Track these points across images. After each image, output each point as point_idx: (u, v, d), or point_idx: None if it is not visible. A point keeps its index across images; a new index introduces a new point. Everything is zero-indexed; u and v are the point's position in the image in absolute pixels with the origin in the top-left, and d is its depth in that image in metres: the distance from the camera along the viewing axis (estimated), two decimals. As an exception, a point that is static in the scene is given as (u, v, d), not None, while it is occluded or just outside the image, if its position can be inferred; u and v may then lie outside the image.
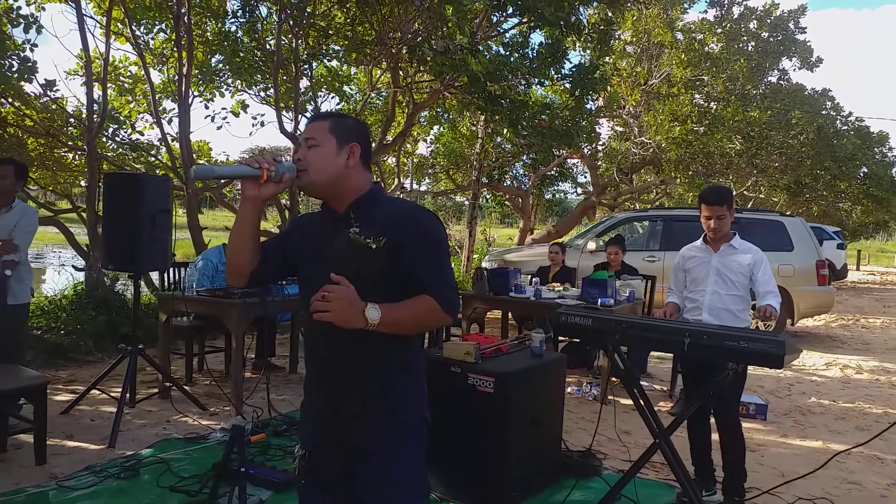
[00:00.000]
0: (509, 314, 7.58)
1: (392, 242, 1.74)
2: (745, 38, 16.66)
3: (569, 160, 17.94)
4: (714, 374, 3.17)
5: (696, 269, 3.73)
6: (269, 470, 3.69)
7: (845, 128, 18.61)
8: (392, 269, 1.75)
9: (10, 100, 8.46)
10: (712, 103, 15.29)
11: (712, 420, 3.63)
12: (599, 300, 5.55)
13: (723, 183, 19.33)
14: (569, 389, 5.96)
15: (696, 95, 15.36)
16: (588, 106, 11.51)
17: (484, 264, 10.18)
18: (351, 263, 1.73)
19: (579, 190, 20.67)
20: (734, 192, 20.11)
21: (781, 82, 17.07)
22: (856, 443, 4.87)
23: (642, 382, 6.25)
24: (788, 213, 19.60)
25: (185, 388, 5.13)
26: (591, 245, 9.24)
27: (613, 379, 5.48)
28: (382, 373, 1.80)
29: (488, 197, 18.14)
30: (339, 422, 1.80)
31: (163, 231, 4.44)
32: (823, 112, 17.41)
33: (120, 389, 4.51)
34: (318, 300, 1.61)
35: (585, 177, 19.79)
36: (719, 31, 16.07)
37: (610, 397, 5.57)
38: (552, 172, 17.56)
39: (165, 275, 5.64)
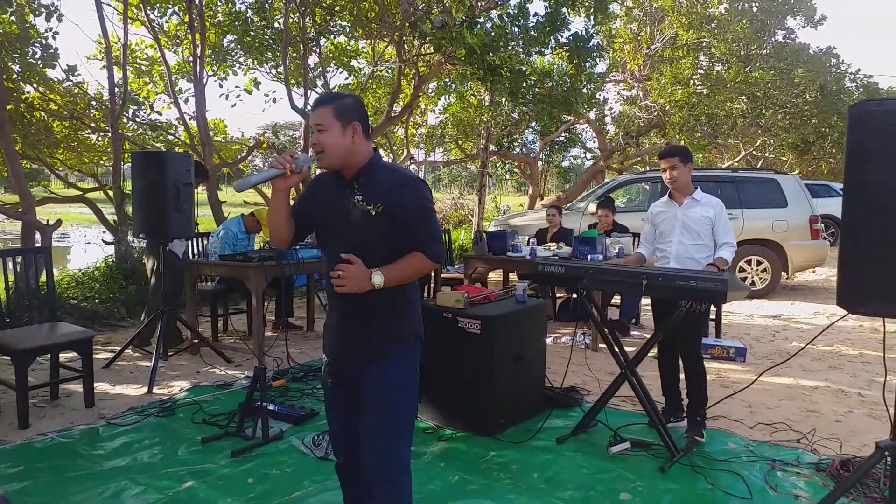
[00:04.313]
0: (510, 274, 8.03)
1: (389, 209, 2.19)
2: (750, -2, 16.68)
3: (577, 126, 18.21)
4: (673, 311, 3.61)
5: (663, 223, 4.13)
6: (288, 408, 4.21)
7: (853, 84, 18.61)
8: (390, 230, 2.21)
9: (35, 85, 8.96)
10: (716, 65, 15.41)
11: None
12: (589, 256, 5.98)
13: (729, 144, 19.49)
14: (563, 339, 6.45)
15: (701, 57, 15.48)
16: (593, 71, 11.77)
17: (490, 229, 10.60)
18: (357, 225, 2.21)
19: (588, 155, 20.94)
20: (742, 153, 20.30)
21: (787, 41, 17.08)
22: (824, 378, 5.35)
23: (633, 332, 6.73)
24: (797, 171, 19.74)
25: (213, 343, 5.66)
26: (592, 207, 9.62)
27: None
28: (386, 303, 2.27)
29: (498, 165, 18.47)
30: (351, 340, 2.32)
31: (186, 202, 4.93)
32: (830, 69, 17.43)
33: (153, 348, 5.06)
34: (335, 277, 2.15)
35: (594, 142, 20.03)
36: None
37: (601, 345, 6.04)
38: (561, 138, 17.84)
39: (190, 244, 6.14)
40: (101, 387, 4.66)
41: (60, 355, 4.52)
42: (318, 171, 2.39)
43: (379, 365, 2.28)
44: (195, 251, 6.20)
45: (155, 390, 4.67)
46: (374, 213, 2.19)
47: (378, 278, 2.16)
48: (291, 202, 2.40)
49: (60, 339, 4.24)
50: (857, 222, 2.31)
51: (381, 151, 15.51)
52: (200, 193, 8.84)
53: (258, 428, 3.76)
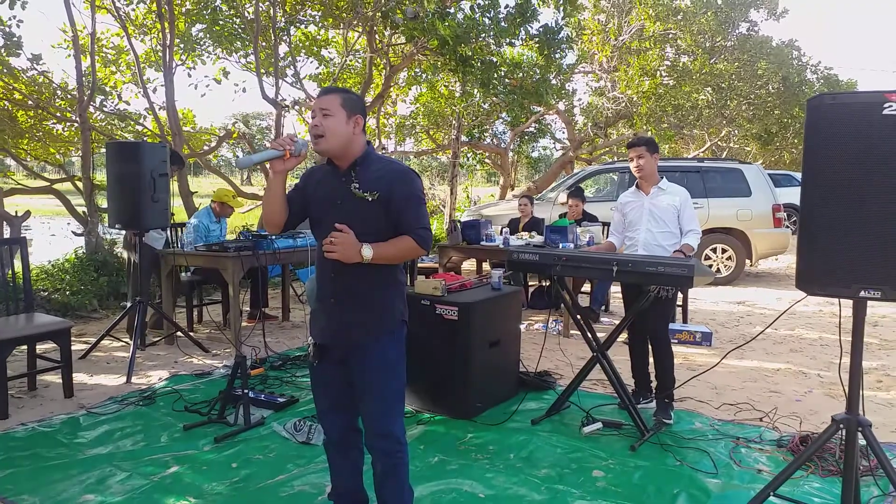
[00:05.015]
0: (483, 264, 8.16)
1: (384, 196, 2.30)
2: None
3: (547, 116, 18.37)
4: (642, 296, 3.76)
5: (632, 213, 4.27)
6: (268, 395, 4.27)
7: (814, 77, 19.06)
8: (384, 216, 2.32)
9: (-3, 75, 8.79)
10: (683, 57, 15.69)
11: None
12: (561, 244, 6.12)
13: (695, 135, 19.86)
14: (536, 326, 6.60)
15: (668, 49, 15.75)
16: (563, 63, 11.92)
17: (463, 219, 10.69)
18: (352, 211, 2.32)
19: (558, 146, 21.13)
20: (707, 143, 20.69)
21: (751, 33, 17.43)
22: (786, 361, 5.57)
23: (603, 318, 6.90)
24: (760, 161, 20.15)
25: (190, 333, 5.68)
26: (562, 197, 9.78)
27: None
28: (374, 288, 2.40)
29: (469, 156, 18.55)
30: (343, 323, 2.41)
31: (162, 192, 4.94)
32: (792, 61, 17.83)
33: (129, 339, 5.07)
34: (327, 244, 2.25)
35: (563, 133, 20.22)
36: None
37: (573, 332, 6.20)
38: (531, 129, 17.98)
39: (169, 234, 6.13)
40: (78, 377, 4.66)
41: (36, 346, 4.52)
42: (311, 165, 2.47)
43: (368, 346, 2.39)
44: (170, 241, 6.19)
45: (133, 380, 4.69)
46: (370, 199, 2.31)
47: (368, 251, 2.26)
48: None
49: (38, 330, 4.23)
50: (813, 209, 2.45)
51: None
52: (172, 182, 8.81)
53: (240, 415, 3.82)
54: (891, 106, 2.30)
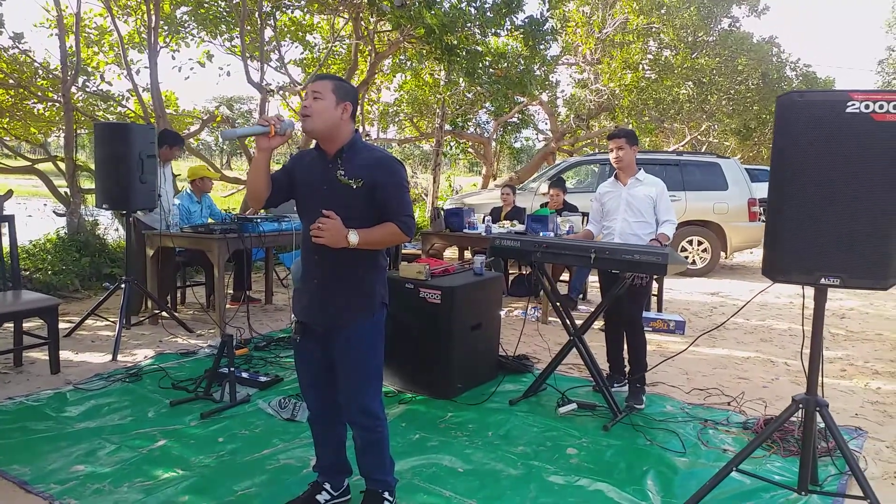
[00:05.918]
0: (466, 251, 8.29)
1: (368, 183, 2.39)
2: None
3: (530, 107, 18.50)
4: (618, 284, 3.90)
5: (609, 202, 4.41)
6: (253, 373, 4.37)
7: (793, 73, 19.36)
8: (368, 203, 2.42)
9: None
10: (665, 51, 15.87)
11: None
12: (542, 233, 6.26)
13: (675, 128, 20.12)
14: (515, 312, 6.74)
15: (651, 42, 15.91)
16: (547, 54, 12.03)
17: (446, 207, 10.80)
18: (338, 198, 2.41)
19: (540, 137, 21.29)
20: (687, 137, 20.95)
21: (732, 29, 17.65)
22: (756, 350, 5.76)
23: (580, 307, 7.06)
24: (739, 156, 20.44)
25: (175, 313, 5.74)
26: (544, 187, 9.92)
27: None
28: (357, 271, 2.50)
29: (452, 144, 18.64)
30: (324, 304, 2.52)
31: (150, 174, 4.99)
32: (772, 58, 18.09)
33: (114, 319, 5.13)
34: (315, 229, 2.34)
35: (546, 124, 20.36)
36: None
37: (551, 318, 6.35)
38: (514, 120, 18.11)
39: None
40: (63, 354, 4.69)
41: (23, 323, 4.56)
42: (297, 150, 2.57)
43: (348, 326, 2.50)
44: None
45: (119, 358, 4.75)
46: (355, 186, 2.41)
47: (354, 237, 2.35)
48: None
49: (26, 307, 4.28)
50: (780, 202, 2.59)
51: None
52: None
53: (225, 392, 3.92)
54: (853, 104, 2.45)
